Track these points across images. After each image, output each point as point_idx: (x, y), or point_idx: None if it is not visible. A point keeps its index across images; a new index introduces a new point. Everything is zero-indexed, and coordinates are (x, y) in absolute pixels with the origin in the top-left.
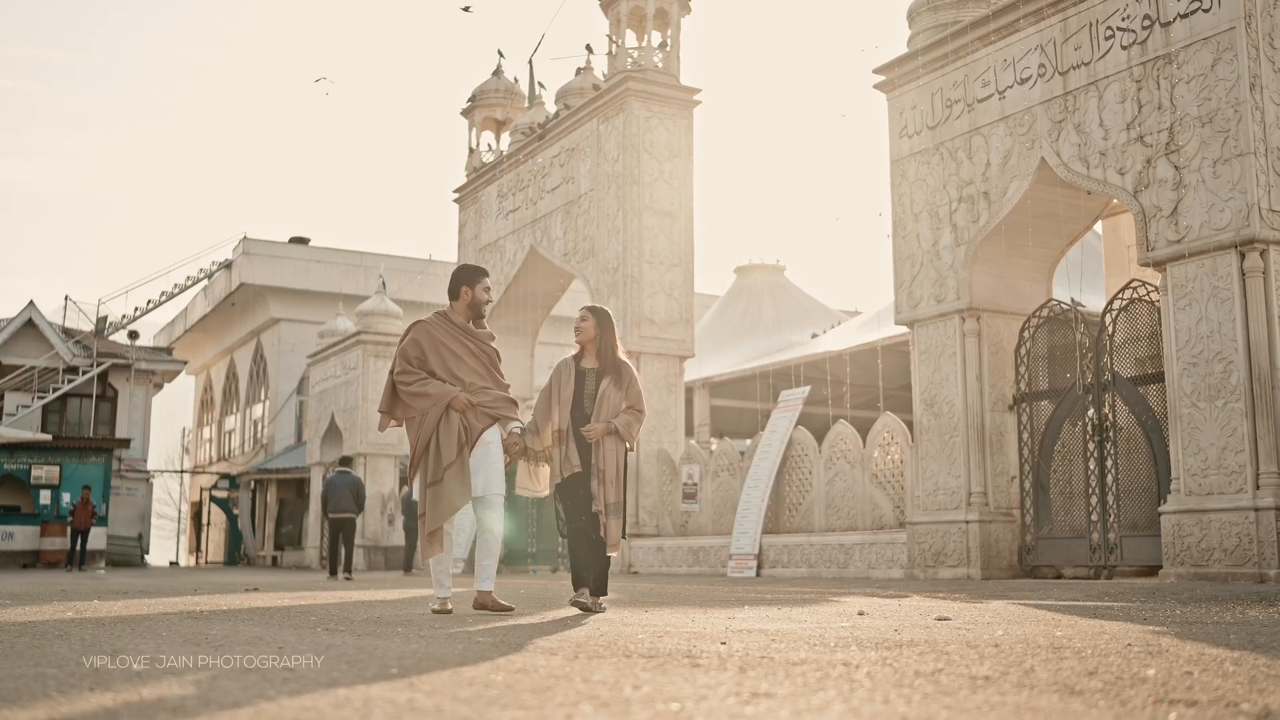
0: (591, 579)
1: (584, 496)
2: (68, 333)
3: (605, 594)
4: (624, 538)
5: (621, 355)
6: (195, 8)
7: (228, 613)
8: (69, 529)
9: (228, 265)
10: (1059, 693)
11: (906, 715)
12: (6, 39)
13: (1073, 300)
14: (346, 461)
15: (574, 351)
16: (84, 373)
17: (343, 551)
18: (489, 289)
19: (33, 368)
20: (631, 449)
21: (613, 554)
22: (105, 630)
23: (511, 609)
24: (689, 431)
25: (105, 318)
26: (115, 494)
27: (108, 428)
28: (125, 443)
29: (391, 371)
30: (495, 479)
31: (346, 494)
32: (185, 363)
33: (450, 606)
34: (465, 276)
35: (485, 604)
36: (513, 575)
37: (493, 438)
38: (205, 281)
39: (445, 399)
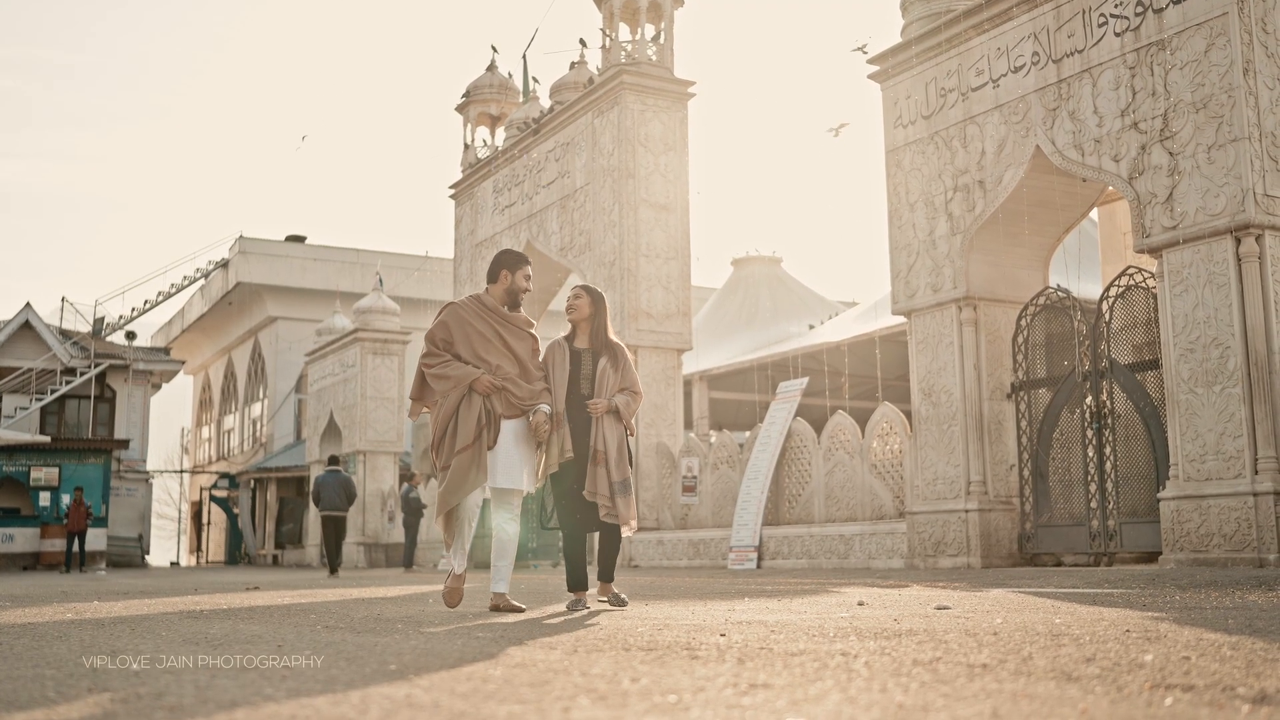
0: (599, 565)
1: (579, 486)
2: (65, 334)
3: (611, 580)
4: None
5: (612, 336)
6: (194, 8)
7: (227, 612)
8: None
9: (224, 264)
10: (1056, 679)
11: (903, 704)
12: (6, 39)
13: (1058, 286)
14: (335, 460)
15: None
16: (82, 374)
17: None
18: (529, 277)
19: (30, 369)
20: (631, 432)
21: (628, 533)
22: (104, 631)
23: (522, 609)
24: (688, 424)
25: (102, 318)
26: (115, 495)
27: (106, 428)
28: (124, 443)
29: (422, 357)
30: (517, 474)
31: (338, 492)
32: (183, 362)
33: (461, 593)
34: (506, 261)
35: (499, 605)
36: (514, 570)
37: (520, 430)
38: (202, 281)
39: (466, 381)
